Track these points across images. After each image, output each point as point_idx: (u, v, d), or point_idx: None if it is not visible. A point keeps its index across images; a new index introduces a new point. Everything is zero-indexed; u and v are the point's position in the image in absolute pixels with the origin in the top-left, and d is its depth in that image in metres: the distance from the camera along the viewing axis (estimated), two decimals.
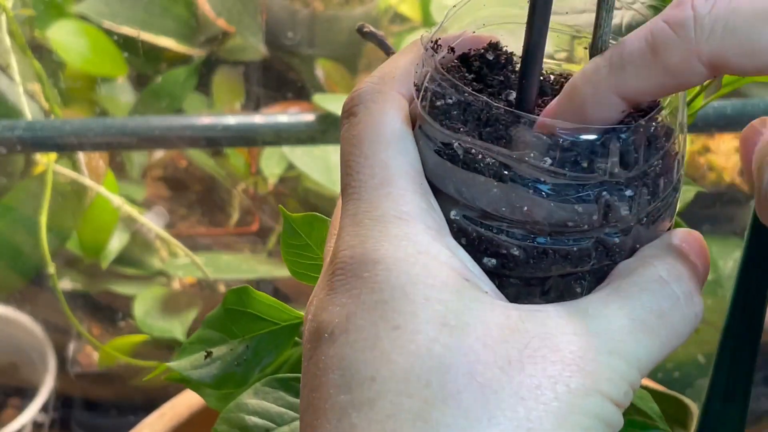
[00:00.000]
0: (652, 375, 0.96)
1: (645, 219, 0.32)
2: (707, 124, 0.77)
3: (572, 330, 0.29)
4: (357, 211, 0.31)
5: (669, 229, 0.33)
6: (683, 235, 0.33)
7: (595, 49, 0.31)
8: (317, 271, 0.47)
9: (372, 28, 0.51)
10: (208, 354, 0.47)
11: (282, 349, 0.47)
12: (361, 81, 0.34)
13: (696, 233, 0.33)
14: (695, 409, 0.49)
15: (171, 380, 0.48)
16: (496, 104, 0.30)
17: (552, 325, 0.29)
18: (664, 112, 0.32)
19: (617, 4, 0.33)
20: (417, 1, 1.07)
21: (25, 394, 1.02)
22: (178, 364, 0.47)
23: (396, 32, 1.09)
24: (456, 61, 0.34)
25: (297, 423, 0.44)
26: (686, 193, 0.53)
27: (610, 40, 0.31)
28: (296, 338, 0.48)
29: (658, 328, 0.30)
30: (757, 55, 0.28)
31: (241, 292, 0.47)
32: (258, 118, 0.85)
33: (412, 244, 0.30)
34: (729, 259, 0.97)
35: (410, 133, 0.32)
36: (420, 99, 0.32)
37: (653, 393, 0.49)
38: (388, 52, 0.53)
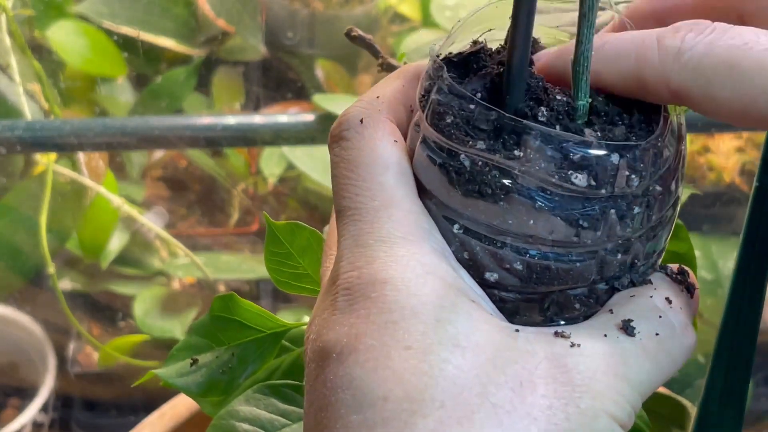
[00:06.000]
0: None
1: (645, 236, 0.32)
2: (707, 124, 0.77)
3: (578, 352, 0.29)
4: (359, 233, 0.31)
5: (663, 249, 0.33)
6: (677, 270, 0.34)
7: (576, 64, 0.31)
8: (299, 280, 0.47)
9: (360, 32, 0.51)
10: (194, 361, 0.47)
11: (266, 357, 0.47)
12: (350, 106, 0.34)
13: (688, 270, 0.34)
14: (693, 410, 0.49)
15: (166, 386, 0.48)
16: (507, 115, 0.30)
17: (559, 346, 0.29)
18: (672, 122, 0.32)
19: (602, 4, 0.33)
20: (417, 1, 1.07)
21: (25, 394, 1.02)
22: (165, 372, 0.47)
23: (396, 32, 1.09)
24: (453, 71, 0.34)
25: (287, 429, 0.44)
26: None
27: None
28: (284, 343, 0.48)
29: (657, 354, 0.30)
30: (716, 101, 0.29)
31: (227, 300, 0.47)
32: (258, 118, 0.85)
33: (419, 264, 0.30)
34: (729, 259, 0.97)
35: (405, 156, 0.33)
36: (425, 111, 0.32)
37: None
38: (377, 55, 0.53)
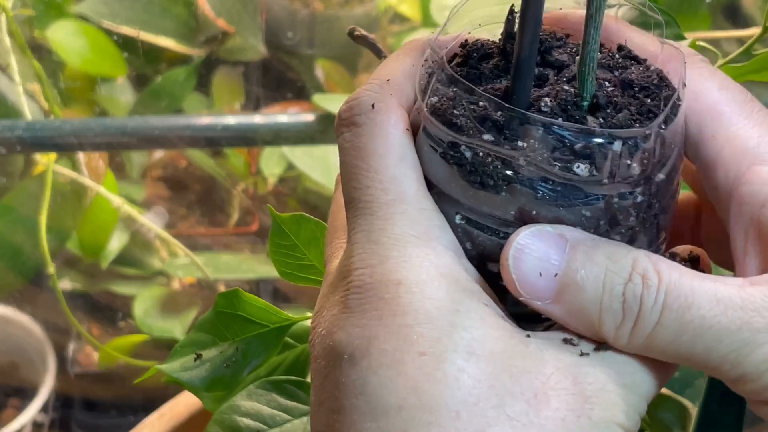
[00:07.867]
0: None
1: (647, 225, 0.31)
2: None
3: (587, 362, 0.29)
4: (372, 228, 0.30)
5: (665, 237, 0.33)
6: (688, 257, 0.34)
7: (582, 65, 0.30)
8: (304, 271, 0.47)
9: (363, 31, 0.50)
10: (198, 356, 0.47)
11: (270, 351, 0.47)
12: (360, 89, 0.33)
13: (698, 253, 0.34)
14: (694, 410, 0.49)
15: (168, 382, 0.48)
16: (507, 105, 0.30)
17: (568, 355, 0.29)
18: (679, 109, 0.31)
19: (612, 1, 0.32)
20: (417, 1, 1.06)
21: (25, 394, 1.02)
22: (169, 367, 0.47)
23: (396, 32, 1.09)
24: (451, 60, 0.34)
25: (288, 425, 0.44)
26: None
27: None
28: (288, 340, 0.48)
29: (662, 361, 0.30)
30: None
31: (231, 295, 0.47)
32: (258, 118, 0.85)
33: (433, 266, 0.29)
34: None
35: (413, 146, 0.32)
36: (425, 101, 0.32)
37: None
38: (380, 55, 0.52)
